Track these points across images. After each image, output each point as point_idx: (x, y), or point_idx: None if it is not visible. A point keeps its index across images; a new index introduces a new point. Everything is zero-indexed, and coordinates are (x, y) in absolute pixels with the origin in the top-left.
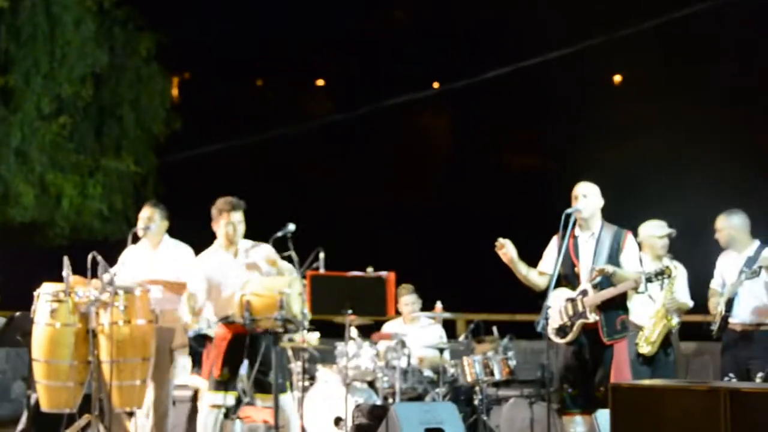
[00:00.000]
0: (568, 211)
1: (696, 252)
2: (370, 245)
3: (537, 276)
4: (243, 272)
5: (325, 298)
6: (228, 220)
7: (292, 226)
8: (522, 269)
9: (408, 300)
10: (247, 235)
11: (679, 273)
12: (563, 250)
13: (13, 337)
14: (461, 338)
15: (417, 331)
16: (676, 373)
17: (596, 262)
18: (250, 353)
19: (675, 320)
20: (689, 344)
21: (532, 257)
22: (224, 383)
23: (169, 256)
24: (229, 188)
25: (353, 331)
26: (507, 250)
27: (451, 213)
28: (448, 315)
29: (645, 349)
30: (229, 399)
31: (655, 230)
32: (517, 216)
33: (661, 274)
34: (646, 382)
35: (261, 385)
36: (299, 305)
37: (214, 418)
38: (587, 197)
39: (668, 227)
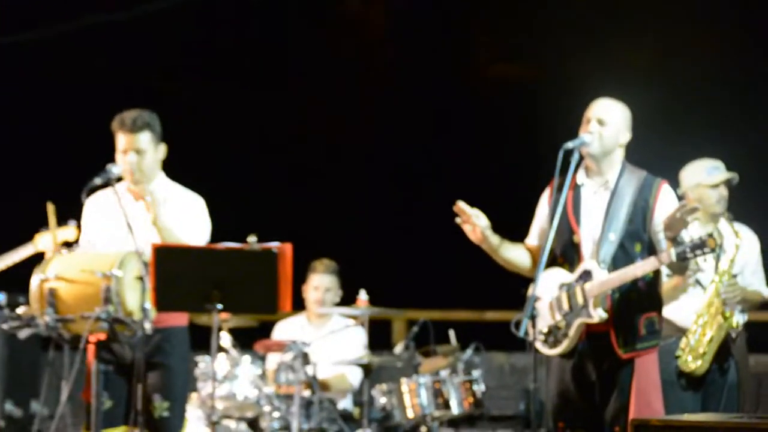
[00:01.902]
0: (569, 144)
1: None
2: (256, 206)
3: (524, 254)
4: None
5: (179, 284)
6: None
7: (117, 169)
8: (500, 248)
9: (321, 283)
10: None
11: (746, 244)
12: (559, 208)
13: None
14: (399, 349)
15: (328, 336)
16: (741, 401)
17: (608, 227)
18: (51, 375)
19: (738, 318)
20: (763, 358)
21: (518, 229)
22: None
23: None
24: None
25: (225, 338)
26: (474, 221)
27: (386, 156)
28: (377, 311)
29: (690, 364)
30: None
31: (705, 175)
32: (492, 158)
33: (700, 247)
34: (692, 416)
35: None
36: (137, 296)
37: None
38: (605, 124)
39: (726, 170)
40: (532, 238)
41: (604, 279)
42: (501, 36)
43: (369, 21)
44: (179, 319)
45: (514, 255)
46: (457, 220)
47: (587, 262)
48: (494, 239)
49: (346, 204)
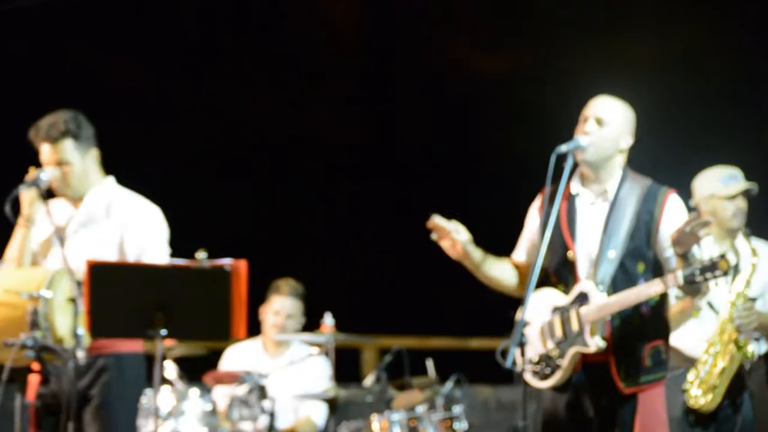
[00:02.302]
0: (562, 147)
1: None
2: (207, 218)
3: (510, 271)
4: None
5: (118, 307)
6: None
7: (45, 175)
8: (483, 264)
9: (282, 307)
10: None
11: (766, 263)
12: (552, 221)
13: None
14: (369, 381)
15: (287, 367)
16: None
17: (607, 243)
18: None
19: (754, 348)
20: None
21: (503, 242)
22: None
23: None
24: None
25: (170, 369)
26: (454, 237)
27: (357, 164)
28: (344, 338)
29: (700, 399)
30: None
31: (721, 185)
32: (476, 164)
33: (711, 270)
34: None
35: None
36: (69, 321)
37: None
38: (605, 124)
39: (745, 179)
40: (520, 254)
41: (602, 303)
42: (486, 24)
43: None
44: (131, 345)
45: (499, 272)
46: (433, 236)
47: (583, 283)
48: (476, 254)
49: (310, 216)
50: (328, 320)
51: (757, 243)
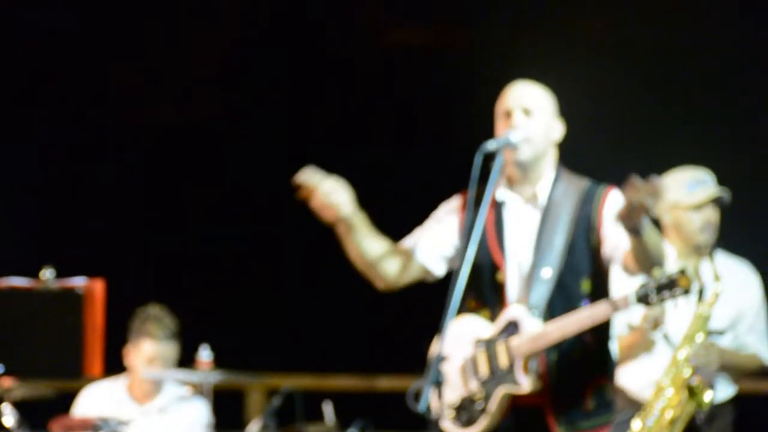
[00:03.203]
0: (490, 144)
1: None
2: (54, 229)
3: (389, 254)
4: None
5: None
6: None
7: None
8: (359, 232)
9: (157, 354)
10: None
11: (740, 288)
12: (477, 231)
13: None
14: (254, 428)
15: (155, 412)
16: None
17: (540, 259)
18: None
19: (711, 395)
20: None
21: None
22: None
23: None
24: None
25: (8, 413)
26: (330, 198)
27: (242, 160)
28: (225, 377)
29: None
30: None
31: (685, 192)
32: (386, 168)
33: (669, 287)
34: None
35: None
36: None
37: None
38: (533, 114)
39: (714, 183)
40: (410, 241)
41: (536, 332)
42: None
43: None
44: None
45: (377, 250)
46: (300, 189)
47: (513, 309)
48: (356, 220)
49: (181, 225)
50: (204, 354)
51: (728, 261)
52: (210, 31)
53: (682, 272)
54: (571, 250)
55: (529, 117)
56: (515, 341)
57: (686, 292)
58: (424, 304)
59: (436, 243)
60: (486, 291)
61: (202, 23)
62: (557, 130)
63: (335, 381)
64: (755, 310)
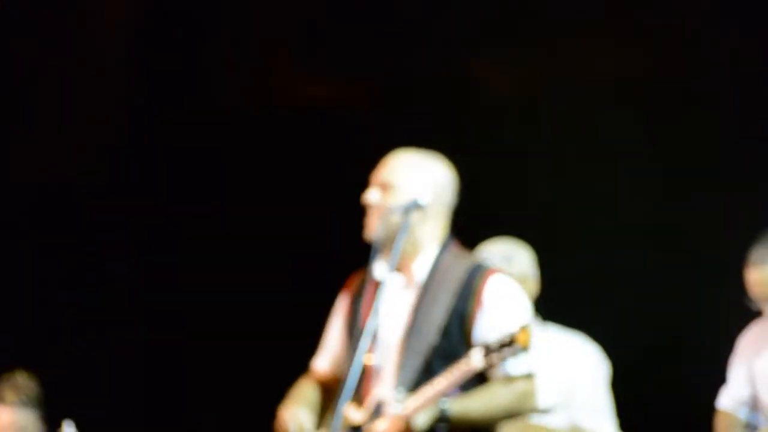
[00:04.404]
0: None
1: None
2: None
3: (316, 400)
4: None
5: None
6: None
7: None
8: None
9: (10, 423)
10: None
11: (570, 359)
12: (358, 319)
13: None
14: None
15: None
16: None
17: (412, 343)
18: None
19: None
20: None
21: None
22: None
23: None
24: None
25: None
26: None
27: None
28: None
29: None
30: None
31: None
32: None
33: (509, 345)
34: None
35: None
36: None
37: None
38: (391, 189)
39: (526, 253)
40: (323, 362)
41: (399, 412)
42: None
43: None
44: None
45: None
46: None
47: (378, 392)
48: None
49: (43, 284)
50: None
51: (561, 334)
52: None
53: (523, 328)
54: (445, 334)
55: (386, 192)
56: (381, 425)
57: (524, 348)
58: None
59: (330, 349)
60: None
61: None
62: (439, 205)
63: None
64: (590, 385)
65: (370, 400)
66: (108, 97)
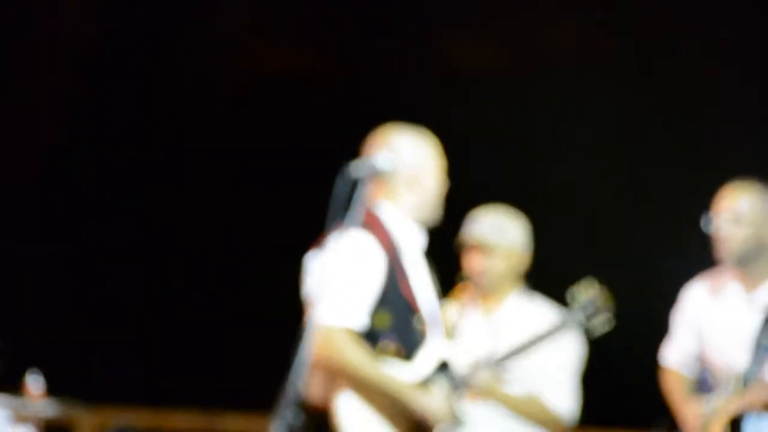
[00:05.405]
0: (352, 170)
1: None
2: None
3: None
4: None
5: None
6: None
7: None
8: None
9: None
10: None
11: (528, 319)
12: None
13: None
14: None
15: None
16: None
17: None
18: None
19: None
20: None
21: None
22: None
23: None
24: None
25: None
26: None
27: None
28: (56, 409)
29: None
30: None
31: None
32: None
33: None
34: None
35: None
36: None
37: None
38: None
39: (518, 224)
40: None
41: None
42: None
43: None
44: None
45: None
46: None
47: (441, 349)
48: None
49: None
50: (34, 382)
51: (541, 306)
52: None
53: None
54: None
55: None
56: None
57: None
58: (275, 339)
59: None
60: (408, 334)
61: None
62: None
63: (176, 418)
64: (561, 362)
65: (430, 357)
66: (69, 81)
